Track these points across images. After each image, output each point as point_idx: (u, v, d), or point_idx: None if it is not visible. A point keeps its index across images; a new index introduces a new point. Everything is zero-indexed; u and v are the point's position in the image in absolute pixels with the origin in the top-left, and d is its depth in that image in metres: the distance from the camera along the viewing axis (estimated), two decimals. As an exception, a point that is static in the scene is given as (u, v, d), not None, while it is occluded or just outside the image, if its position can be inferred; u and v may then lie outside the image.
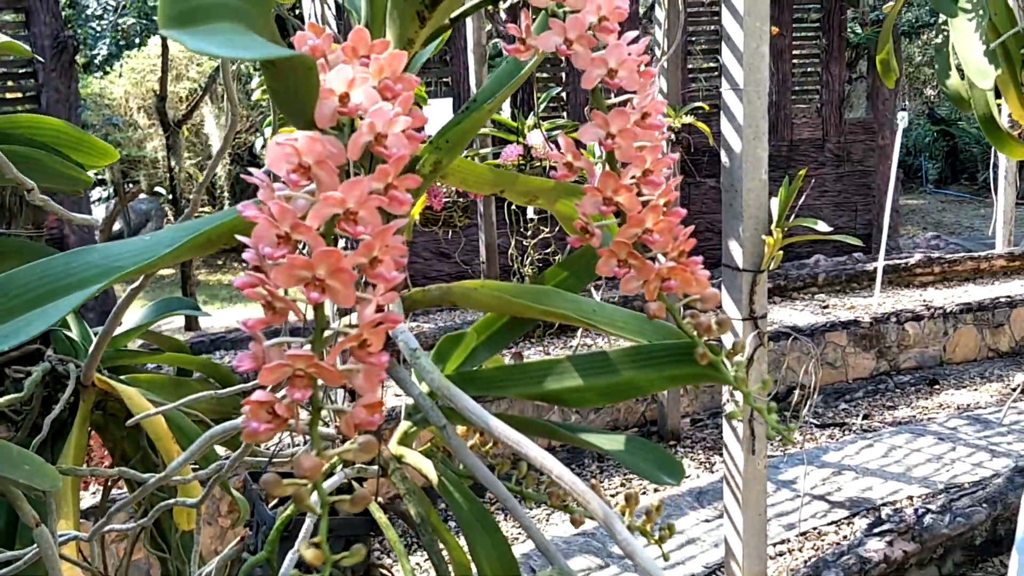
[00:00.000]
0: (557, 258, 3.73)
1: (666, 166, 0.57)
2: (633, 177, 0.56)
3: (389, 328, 0.42)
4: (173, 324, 5.93)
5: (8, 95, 5.19)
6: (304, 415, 0.41)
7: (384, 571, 0.72)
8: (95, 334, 1.25)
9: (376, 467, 0.66)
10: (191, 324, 6.13)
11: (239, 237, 0.42)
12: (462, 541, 0.71)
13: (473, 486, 0.70)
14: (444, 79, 6.11)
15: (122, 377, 1.25)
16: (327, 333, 0.42)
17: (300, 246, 0.41)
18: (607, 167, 0.56)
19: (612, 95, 0.59)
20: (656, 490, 3.77)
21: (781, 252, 2.27)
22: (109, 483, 1.37)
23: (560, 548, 3.25)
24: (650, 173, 0.56)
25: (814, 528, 3.37)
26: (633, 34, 0.59)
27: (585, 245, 0.61)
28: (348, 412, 0.41)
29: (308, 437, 0.41)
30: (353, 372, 0.42)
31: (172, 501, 0.86)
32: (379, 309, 0.42)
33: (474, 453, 0.70)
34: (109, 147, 0.80)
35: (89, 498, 2.56)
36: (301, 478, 0.40)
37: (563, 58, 0.61)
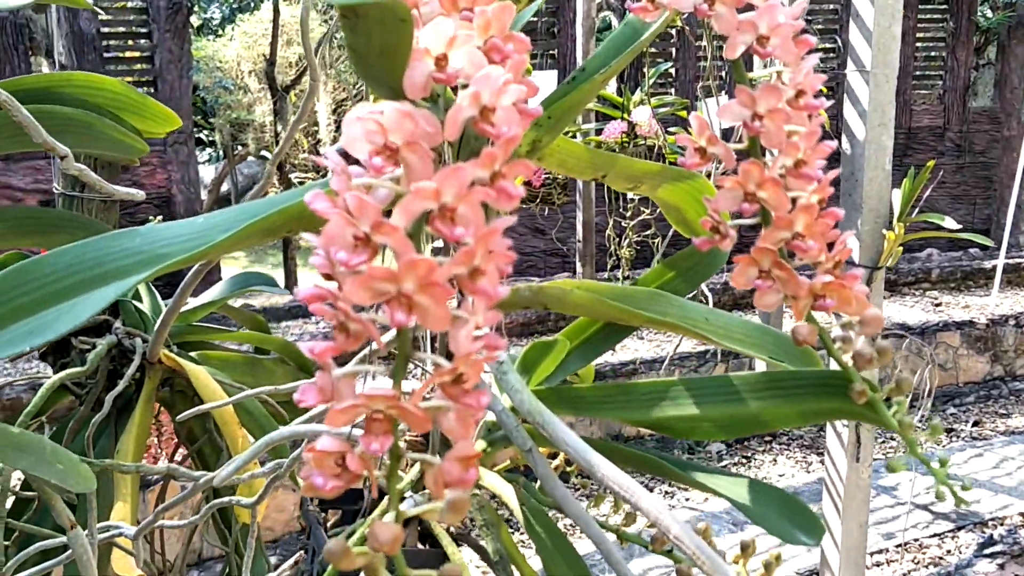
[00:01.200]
0: (656, 241, 3.61)
1: (823, 156, 0.47)
2: (782, 168, 0.46)
3: (490, 359, 0.33)
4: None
5: (126, 54, 5.27)
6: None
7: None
8: (167, 306, 1.19)
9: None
10: (289, 283, 6.13)
11: (307, 236, 0.33)
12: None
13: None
14: (550, 51, 5.94)
15: (192, 354, 1.19)
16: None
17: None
18: (750, 155, 0.47)
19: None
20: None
21: (901, 248, 2.12)
22: (171, 456, 1.32)
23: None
24: (803, 164, 0.46)
25: (915, 540, 3.21)
26: (788, -4, 0.48)
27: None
28: (436, 466, 0.32)
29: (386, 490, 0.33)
30: (442, 410, 0.33)
31: (226, 500, 0.79)
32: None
33: (555, 468, 0.61)
34: (171, 112, 0.72)
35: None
36: (376, 550, 0.31)
37: (673, 32, 0.51)
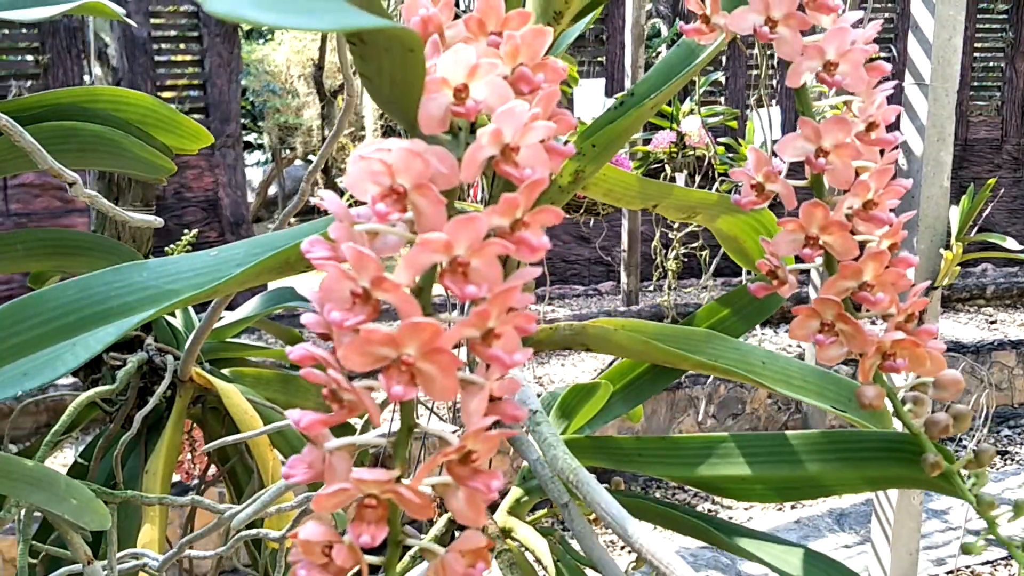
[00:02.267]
0: (704, 254, 3.53)
1: (896, 196, 0.42)
2: (850, 209, 0.41)
3: (507, 434, 0.29)
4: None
5: (177, 58, 5.35)
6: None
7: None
8: (200, 321, 1.16)
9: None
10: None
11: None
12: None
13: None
14: (598, 59, 5.87)
15: (225, 371, 1.17)
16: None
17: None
18: (813, 194, 0.42)
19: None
20: (792, 506, 3.55)
21: (958, 267, 2.03)
22: (204, 472, 1.30)
23: (688, 560, 3.09)
24: (874, 206, 0.41)
25: (966, 566, 3.09)
26: (856, 15, 0.44)
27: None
28: (439, 557, 0.28)
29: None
30: (450, 489, 0.29)
31: (254, 532, 0.76)
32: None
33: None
34: (202, 129, 0.70)
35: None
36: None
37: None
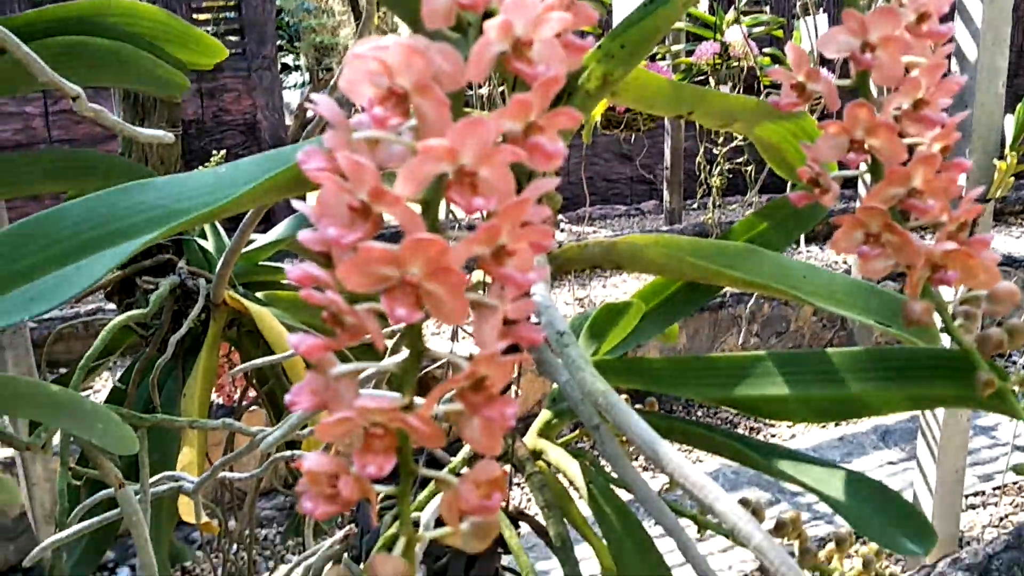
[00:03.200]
0: (749, 170, 3.44)
1: (949, 94, 0.38)
2: (897, 110, 0.38)
3: (522, 359, 0.27)
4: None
5: None
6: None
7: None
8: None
9: (508, 467, 0.52)
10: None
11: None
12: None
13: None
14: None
15: (259, 294, 1.16)
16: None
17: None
18: (858, 94, 0.38)
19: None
20: (836, 424, 3.53)
21: (1012, 179, 1.96)
22: (244, 396, 1.31)
23: (729, 479, 3.10)
24: (924, 105, 0.38)
25: (1014, 483, 3.06)
26: None
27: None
28: (452, 487, 0.26)
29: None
30: (463, 416, 0.27)
31: (288, 454, 0.76)
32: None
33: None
34: (217, 43, 0.67)
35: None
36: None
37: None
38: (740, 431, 3.45)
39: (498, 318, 0.26)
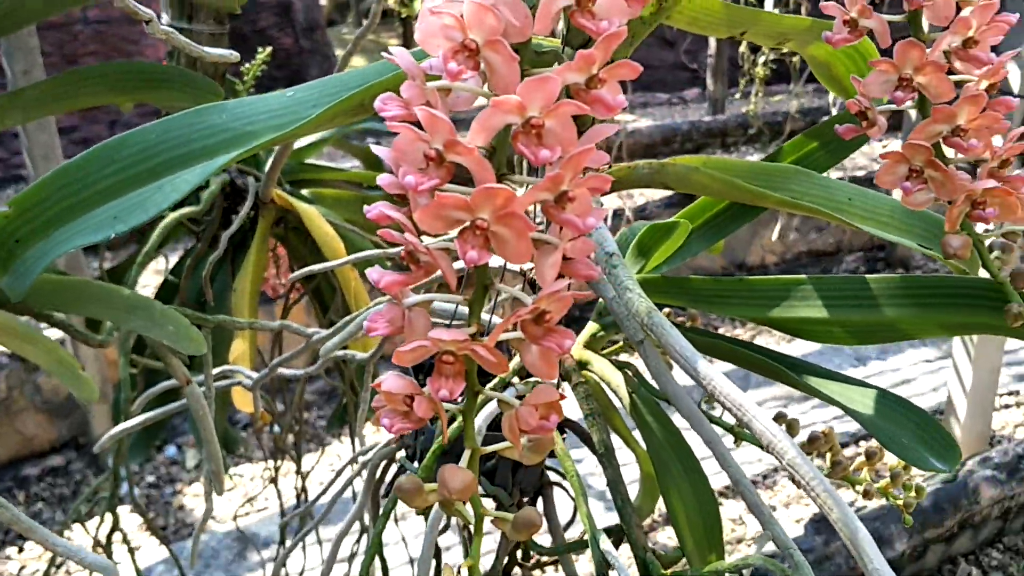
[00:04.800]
0: (795, 59, 3.35)
1: (999, 34, 0.39)
2: (948, 48, 0.39)
3: (584, 297, 0.29)
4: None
5: None
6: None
7: (557, 487, 0.62)
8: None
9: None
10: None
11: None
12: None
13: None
14: None
15: (304, 192, 1.19)
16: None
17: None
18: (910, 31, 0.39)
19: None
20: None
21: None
22: (290, 288, 1.34)
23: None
24: (974, 44, 0.39)
25: (1049, 382, 3.08)
26: None
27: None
28: (513, 410, 0.29)
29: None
30: (524, 344, 0.29)
31: (340, 354, 0.80)
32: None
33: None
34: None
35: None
36: (447, 496, 0.29)
37: None
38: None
39: (558, 257, 0.29)
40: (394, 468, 0.62)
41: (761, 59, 3.51)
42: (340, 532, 0.63)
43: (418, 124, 0.27)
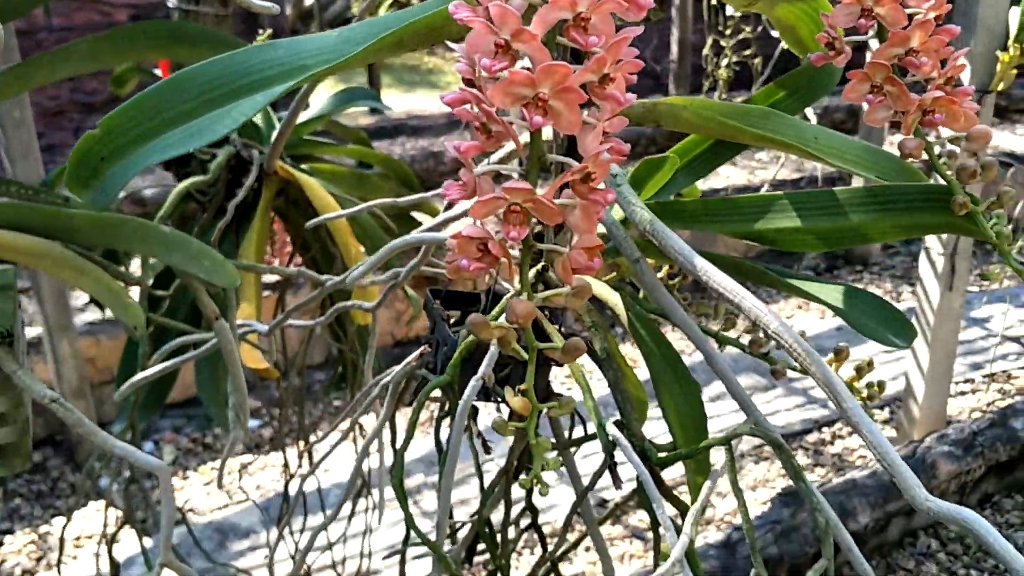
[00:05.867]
0: (756, 62, 3.47)
1: (944, -27, 0.47)
2: (902, -16, 0.47)
3: (618, 160, 0.36)
4: (359, 108, 5.98)
5: None
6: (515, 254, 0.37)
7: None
8: (279, 120, 1.24)
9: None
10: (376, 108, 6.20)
11: (450, 43, 0.36)
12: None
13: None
14: None
15: (303, 166, 1.25)
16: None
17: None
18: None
19: None
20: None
21: (1014, 72, 2.01)
22: (291, 263, 1.41)
23: (729, 364, 3.23)
24: (924, -20, 0.46)
25: (1003, 371, 3.20)
26: None
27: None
28: (564, 255, 0.36)
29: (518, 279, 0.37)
30: (569, 208, 0.37)
31: (348, 304, 0.86)
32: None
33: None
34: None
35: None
36: (513, 323, 0.36)
37: None
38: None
39: (599, 131, 0.36)
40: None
41: (724, 62, 3.62)
42: (363, 448, 0.69)
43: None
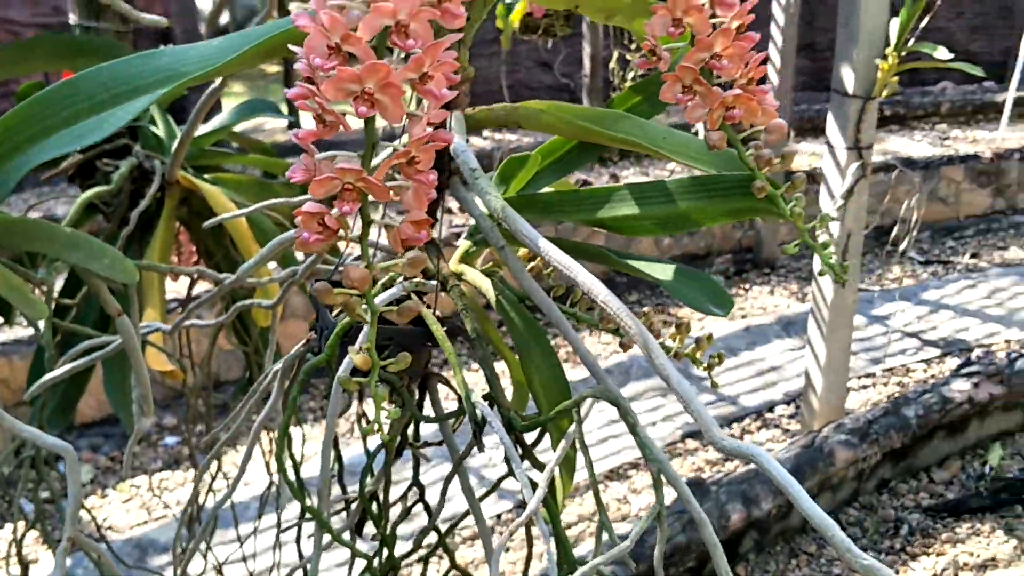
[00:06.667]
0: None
1: (743, -12, 0.54)
2: (706, -2, 0.54)
3: (439, 146, 0.42)
4: (279, 124, 5.94)
5: None
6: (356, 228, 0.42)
7: (442, 376, 0.75)
8: (181, 131, 1.28)
9: (435, 283, 0.68)
10: (294, 124, 6.20)
11: (292, 47, 0.42)
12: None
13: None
14: None
15: (207, 176, 1.28)
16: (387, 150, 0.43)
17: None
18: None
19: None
20: (743, 316, 3.79)
21: (896, 79, 2.14)
22: (195, 276, 1.44)
23: (643, 367, 3.32)
24: (725, -7, 0.54)
25: (902, 365, 3.36)
26: None
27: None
28: (395, 227, 0.42)
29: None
30: (403, 188, 0.42)
31: (249, 302, 0.91)
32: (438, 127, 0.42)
33: (532, 277, 0.71)
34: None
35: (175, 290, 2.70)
36: (350, 288, 0.41)
37: None
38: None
39: (424, 122, 0.42)
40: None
41: (630, 75, 3.74)
42: (257, 425, 0.74)
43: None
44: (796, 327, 3.70)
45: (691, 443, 2.95)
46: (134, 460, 3.15)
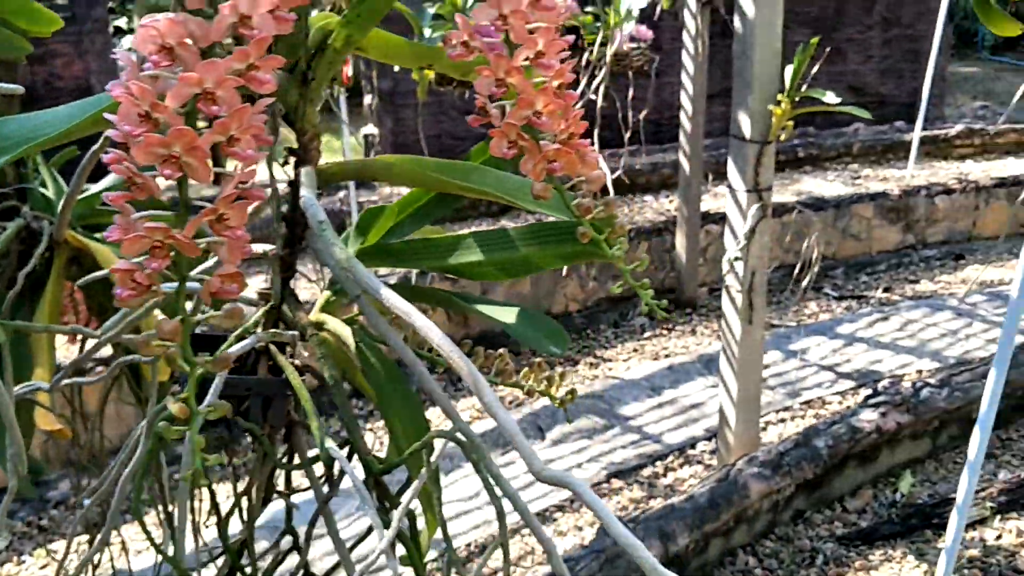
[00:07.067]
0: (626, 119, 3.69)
1: (560, 49, 0.58)
2: (526, 59, 0.58)
3: (250, 204, 0.45)
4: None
5: None
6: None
7: (306, 424, 0.77)
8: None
9: (294, 333, 0.70)
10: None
11: (107, 116, 0.44)
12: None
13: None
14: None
15: (97, 235, 1.29)
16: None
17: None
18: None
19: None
20: (667, 355, 3.85)
21: (791, 123, 2.23)
22: (72, 336, 1.43)
23: (569, 408, 3.34)
24: (543, 55, 0.57)
25: (818, 397, 3.45)
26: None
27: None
28: (206, 281, 0.44)
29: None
30: (218, 244, 0.45)
31: (132, 358, 0.91)
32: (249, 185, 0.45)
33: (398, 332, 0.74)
34: (54, 15, 0.81)
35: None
36: (163, 339, 0.43)
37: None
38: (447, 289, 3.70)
39: (235, 181, 0.44)
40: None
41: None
42: (119, 489, 0.75)
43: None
44: (717, 364, 3.77)
45: (616, 483, 2.98)
46: (52, 525, 3.07)
